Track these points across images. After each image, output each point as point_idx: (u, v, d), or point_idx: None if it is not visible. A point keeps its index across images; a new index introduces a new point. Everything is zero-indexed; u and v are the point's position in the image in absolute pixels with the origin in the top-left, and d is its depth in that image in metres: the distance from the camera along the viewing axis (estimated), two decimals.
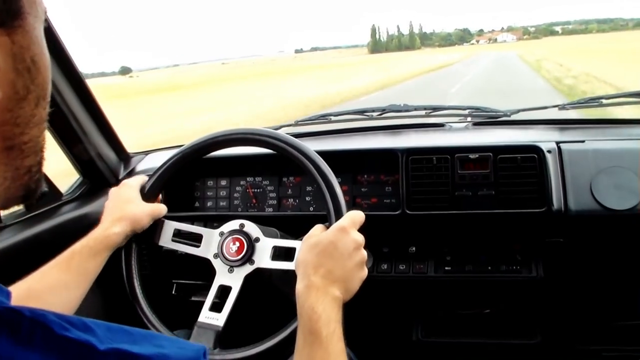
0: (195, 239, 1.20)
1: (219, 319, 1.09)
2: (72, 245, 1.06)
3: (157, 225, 1.19)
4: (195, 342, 1.04)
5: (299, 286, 0.91)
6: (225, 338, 1.09)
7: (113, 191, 1.20)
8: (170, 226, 1.21)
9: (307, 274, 0.91)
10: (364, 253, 0.98)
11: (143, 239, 1.18)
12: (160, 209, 1.20)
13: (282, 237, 1.21)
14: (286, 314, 1.06)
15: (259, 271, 1.14)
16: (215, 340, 1.07)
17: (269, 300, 1.30)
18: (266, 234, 1.17)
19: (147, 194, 1.21)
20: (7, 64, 0.45)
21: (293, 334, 1.01)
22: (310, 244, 0.96)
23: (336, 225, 0.98)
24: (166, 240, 1.20)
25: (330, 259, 0.92)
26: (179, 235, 1.21)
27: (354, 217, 1.00)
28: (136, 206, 1.16)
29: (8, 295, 0.44)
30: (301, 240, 1.05)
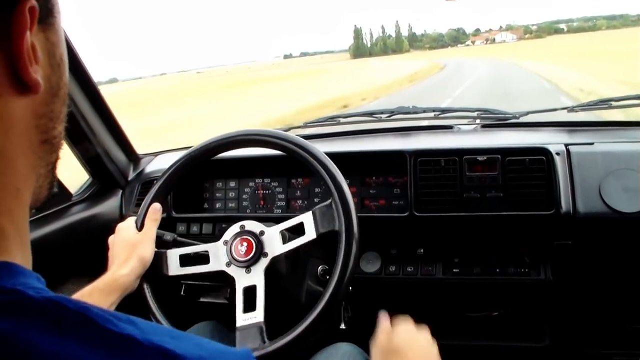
0: (203, 257, 1.20)
1: (257, 316, 1.10)
2: (82, 289, 1.06)
3: (161, 258, 1.20)
4: (241, 347, 1.05)
5: None
6: (268, 331, 1.10)
7: (112, 239, 1.20)
8: (174, 254, 1.21)
9: None
10: (426, 335, 1.02)
11: (153, 276, 1.18)
12: (154, 235, 1.21)
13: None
14: (299, 313, 1.08)
15: (275, 261, 1.15)
16: (262, 336, 1.08)
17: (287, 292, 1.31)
18: (269, 226, 1.18)
19: (141, 228, 1.21)
20: (44, 59, 0.47)
21: (327, 308, 1.07)
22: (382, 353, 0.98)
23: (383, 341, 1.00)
24: (175, 269, 1.20)
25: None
26: (185, 260, 1.21)
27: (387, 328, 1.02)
28: (138, 243, 1.17)
29: (44, 284, 0.44)
30: (305, 213, 1.08)
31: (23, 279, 0.42)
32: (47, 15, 0.47)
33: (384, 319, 1.02)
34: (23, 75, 0.44)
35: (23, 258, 0.46)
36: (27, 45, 0.43)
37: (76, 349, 0.39)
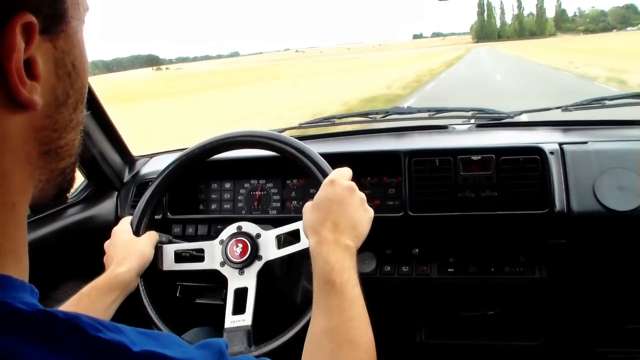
0: (198, 254, 1.20)
1: (246, 319, 1.10)
2: (81, 289, 1.06)
3: (156, 252, 1.20)
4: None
5: (311, 244, 0.92)
6: (255, 335, 1.10)
7: (107, 243, 1.20)
8: (170, 249, 1.21)
9: (315, 231, 0.93)
10: (361, 194, 0.99)
11: (147, 270, 1.17)
12: (154, 234, 1.21)
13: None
14: (294, 313, 1.07)
15: (269, 264, 1.15)
16: (248, 340, 1.08)
17: (281, 295, 1.31)
18: (265, 229, 1.18)
19: (137, 230, 1.21)
20: (48, 70, 0.45)
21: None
22: (310, 207, 0.98)
23: (325, 182, 1.00)
24: (169, 264, 1.20)
25: (331, 212, 0.94)
26: (180, 256, 1.21)
27: (340, 170, 1.03)
28: (136, 241, 1.17)
29: (37, 295, 0.44)
30: (301, 221, 1.06)
31: (14, 292, 0.42)
32: (55, 22, 0.45)
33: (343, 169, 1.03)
34: (14, 94, 0.42)
35: (18, 270, 0.45)
36: (18, 65, 0.41)
37: (67, 358, 0.39)
